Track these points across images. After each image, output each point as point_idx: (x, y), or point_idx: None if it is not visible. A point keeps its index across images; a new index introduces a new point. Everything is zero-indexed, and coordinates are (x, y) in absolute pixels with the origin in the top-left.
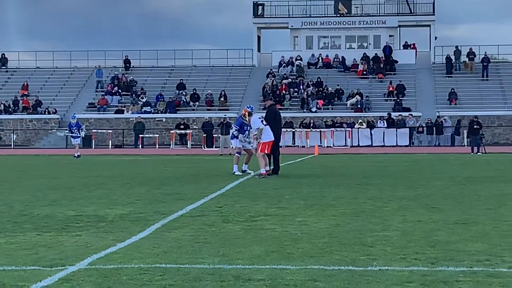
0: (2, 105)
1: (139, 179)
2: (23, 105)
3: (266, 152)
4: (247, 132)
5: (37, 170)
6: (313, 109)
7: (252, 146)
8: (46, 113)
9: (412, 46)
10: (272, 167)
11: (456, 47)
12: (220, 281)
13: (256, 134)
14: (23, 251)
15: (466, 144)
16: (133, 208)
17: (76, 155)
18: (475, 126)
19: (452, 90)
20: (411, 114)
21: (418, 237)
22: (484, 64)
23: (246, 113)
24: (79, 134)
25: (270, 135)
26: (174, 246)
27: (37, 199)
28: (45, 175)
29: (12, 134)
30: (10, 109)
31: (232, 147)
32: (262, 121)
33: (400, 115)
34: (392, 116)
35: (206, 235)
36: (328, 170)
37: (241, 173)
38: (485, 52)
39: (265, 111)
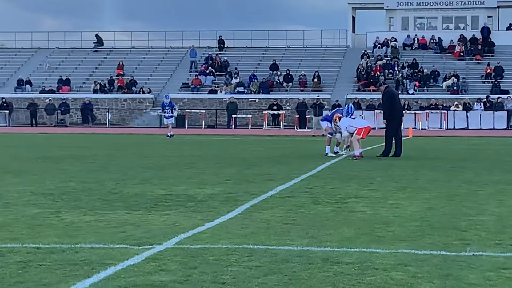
0: (98, 84)
1: (230, 159)
2: (118, 84)
3: (362, 137)
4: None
5: (130, 149)
6: (410, 91)
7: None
8: (141, 92)
9: (511, 26)
10: (394, 150)
11: None
12: (307, 263)
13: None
14: (111, 229)
15: None
16: (222, 188)
17: (169, 134)
18: None
19: None
20: (510, 97)
21: None
22: None
23: (337, 119)
24: (172, 113)
25: (364, 122)
26: (262, 227)
27: (128, 178)
28: (137, 154)
29: (107, 113)
30: (105, 88)
31: (324, 129)
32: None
33: (499, 97)
34: (490, 99)
35: (295, 216)
36: (422, 152)
37: (334, 155)
38: None
39: (381, 96)
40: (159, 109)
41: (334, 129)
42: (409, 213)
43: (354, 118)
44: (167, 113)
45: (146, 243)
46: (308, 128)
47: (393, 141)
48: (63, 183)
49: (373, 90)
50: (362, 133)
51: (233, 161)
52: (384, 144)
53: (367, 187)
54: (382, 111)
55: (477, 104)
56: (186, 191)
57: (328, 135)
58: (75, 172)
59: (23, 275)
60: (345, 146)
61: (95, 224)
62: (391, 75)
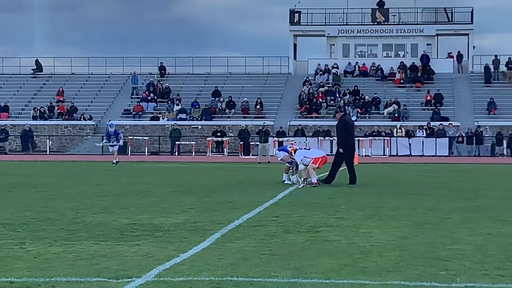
0: (37, 111)
1: (185, 187)
2: (59, 111)
3: (318, 167)
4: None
5: (78, 176)
6: (353, 118)
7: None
8: (82, 119)
9: (449, 55)
10: (349, 177)
11: (495, 56)
12: None
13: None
14: (83, 261)
15: (506, 155)
16: (187, 217)
17: (114, 161)
18: None
19: (491, 100)
20: (451, 123)
21: (494, 251)
22: None
23: (293, 152)
24: (118, 141)
25: (320, 152)
26: (240, 258)
27: (87, 206)
28: (88, 181)
29: (47, 140)
30: (45, 115)
31: (281, 159)
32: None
33: (440, 124)
34: (431, 125)
35: (270, 247)
36: (376, 179)
37: (290, 182)
38: None
39: (336, 123)
40: (105, 141)
41: (291, 160)
42: (384, 242)
43: (309, 149)
44: (112, 141)
45: (124, 276)
46: (252, 155)
47: (341, 169)
48: (20, 212)
49: (315, 117)
50: (318, 163)
51: (189, 188)
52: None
53: (334, 215)
54: (335, 138)
55: (419, 131)
56: (150, 220)
57: (287, 164)
58: (30, 201)
59: None
60: (302, 179)
61: (64, 256)
62: (333, 101)
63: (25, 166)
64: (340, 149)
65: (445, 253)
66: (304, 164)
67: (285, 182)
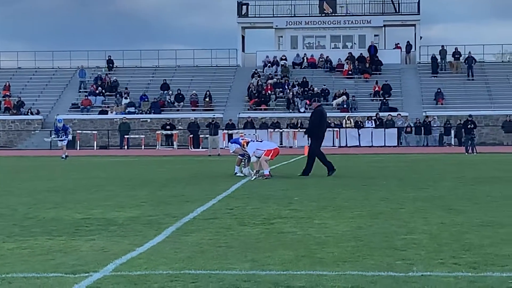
0: None
1: (137, 181)
2: (5, 106)
3: (270, 158)
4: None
5: (28, 172)
6: (302, 109)
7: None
8: (29, 113)
9: (397, 45)
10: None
11: (442, 46)
12: None
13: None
14: (38, 257)
15: (453, 144)
16: (141, 210)
17: (63, 156)
18: (469, 126)
19: (438, 90)
20: (400, 114)
21: (448, 240)
22: (470, 64)
23: (245, 144)
24: (67, 136)
25: (272, 144)
26: (197, 251)
27: (39, 202)
28: (38, 177)
29: None
30: None
31: (233, 151)
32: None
33: (389, 115)
34: (380, 116)
35: (226, 239)
36: (327, 171)
37: (241, 174)
38: (469, 52)
39: (311, 112)
40: (54, 135)
41: (246, 153)
42: (340, 233)
43: (261, 141)
44: (61, 136)
45: (81, 271)
46: (202, 148)
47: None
48: None
49: (265, 109)
50: (271, 154)
51: (141, 182)
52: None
53: (288, 207)
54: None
55: (368, 122)
56: (104, 215)
57: (239, 156)
58: None
59: None
60: (254, 171)
61: (18, 251)
62: (281, 93)
63: None
64: (306, 136)
65: (401, 243)
66: (256, 156)
67: (237, 175)
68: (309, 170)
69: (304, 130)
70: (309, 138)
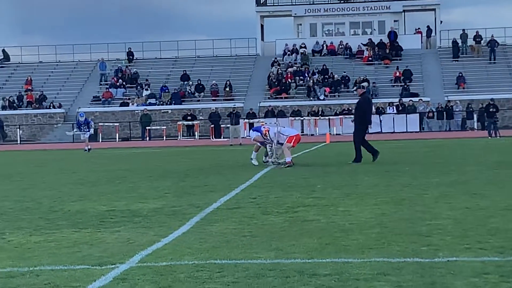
0: (6, 101)
1: (159, 172)
2: (28, 100)
3: (292, 145)
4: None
5: (53, 165)
6: (321, 97)
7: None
8: (51, 107)
9: (417, 30)
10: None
11: (463, 30)
12: (284, 277)
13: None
14: (65, 249)
15: (476, 128)
16: (165, 201)
17: (86, 148)
18: (491, 109)
19: (460, 74)
20: (421, 99)
21: (473, 225)
22: (492, 47)
23: (267, 132)
24: (89, 130)
25: (293, 131)
26: (222, 241)
27: (64, 195)
28: (62, 169)
29: (18, 129)
30: (14, 105)
31: (253, 138)
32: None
33: (410, 100)
34: (402, 102)
35: (250, 228)
36: (349, 157)
37: (256, 163)
38: (492, 35)
39: (358, 99)
40: (75, 129)
41: (267, 140)
42: (364, 220)
43: (283, 127)
44: (83, 130)
45: (108, 263)
46: (223, 138)
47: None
48: None
49: (285, 98)
50: (293, 141)
51: (163, 173)
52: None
53: (311, 195)
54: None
55: (389, 108)
56: (128, 206)
57: (258, 144)
58: (7, 191)
59: None
60: (277, 159)
61: (45, 244)
62: (302, 81)
63: None
64: (357, 125)
65: (426, 229)
66: (279, 142)
67: (252, 162)
68: (360, 157)
69: (352, 117)
70: (357, 125)
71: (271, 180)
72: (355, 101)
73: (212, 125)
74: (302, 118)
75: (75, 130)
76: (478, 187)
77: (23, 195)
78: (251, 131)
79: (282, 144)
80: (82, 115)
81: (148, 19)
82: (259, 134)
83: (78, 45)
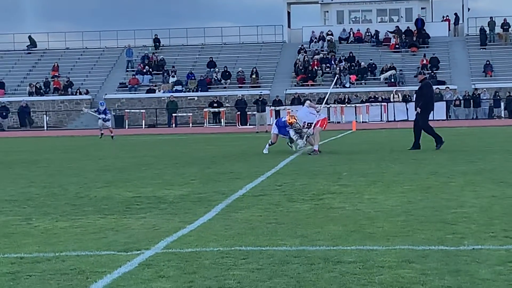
0: (33, 87)
1: (186, 159)
2: (54, 86)
3: (323, 128)
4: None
5: (79, 151)
6: (347, 85)
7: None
8: (78, 94)
9: (445, 18)
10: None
11: (491, 18)
12: (309, 264)
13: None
14: (91, 235)
15: (503, 116)
16: (190, 188)
17: (112, 135)
18: None
19: (487, 62)
20: (448, 87)
21: (499, 213)
22: None
23: (294, 121)
24: (107, 116)
25: (321, 115)
26: (247, 228)
27: (90, 181)
28: (89, 156)
29: (44, 115)
30: (41, 91)
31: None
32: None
33: (437, 88)
34: None
35: (275, 215)
36: (375, 145)
37: (267, 152)
38: None
39: (419, 85)
40: (93, 109)
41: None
42: (389, 208)
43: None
44: (102, 117)
45: (133, 249)
46: (249, 125)
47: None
48: (24, 188)
49: (312, 85)
50: (324, 125)
51: (190, 160)
52: (431, 136)
53: (337, 183)
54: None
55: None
56: (154, 193)
57: (277, 133)
58: (33, 177)
59: None
60: (307, 143)
61: (71, 230)
62: (328, 69)
63: (24, 143)
64: (418, 110)
65: (451, 217)
66: (308, 123)
67: (265, 152)
68: (440, 138)
69: (414, 103)
70: (418, 111)
71: (297, 167)
72: (383, 89)
73: (238, 112)
74: (328, 106)
75: (93, 109)
76: (504, 175)
77: (50, 181)
78: (275, 124)
79: (310, 125)
80: (102, 103)
81: (175, 5)
82: (276, 131)
83: (105, 31)
